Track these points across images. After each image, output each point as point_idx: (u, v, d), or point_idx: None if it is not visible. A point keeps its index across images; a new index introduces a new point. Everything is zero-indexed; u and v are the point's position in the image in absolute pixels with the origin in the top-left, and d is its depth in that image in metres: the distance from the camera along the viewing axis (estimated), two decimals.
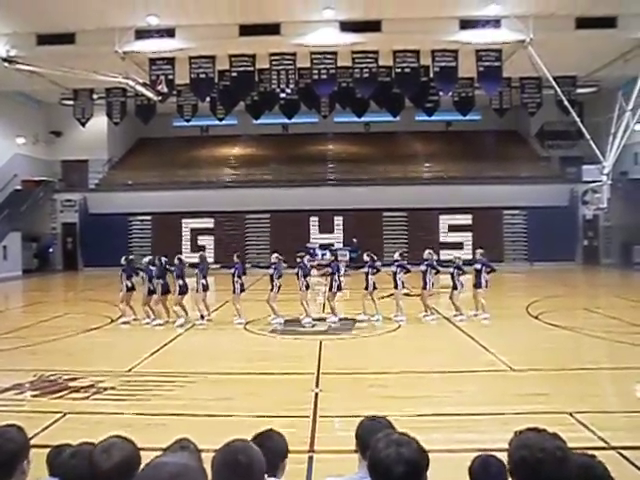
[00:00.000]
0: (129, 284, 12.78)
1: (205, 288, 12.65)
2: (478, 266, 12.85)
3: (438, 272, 12.76)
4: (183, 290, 12.57)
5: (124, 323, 12.49)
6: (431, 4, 17.39)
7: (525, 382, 7.54)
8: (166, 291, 12.67)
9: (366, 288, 12.85)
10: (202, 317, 12.57)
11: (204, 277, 12.64)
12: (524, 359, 8.68)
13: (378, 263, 13.07)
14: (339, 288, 12.85)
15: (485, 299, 12.79)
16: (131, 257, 13.59)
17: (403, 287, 12.74)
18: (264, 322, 12.50)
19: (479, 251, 13.29)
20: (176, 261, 12.83)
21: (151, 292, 12.65)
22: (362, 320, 12.51)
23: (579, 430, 5.68)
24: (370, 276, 12.78)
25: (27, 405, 6.84)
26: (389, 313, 12.95)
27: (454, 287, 12.69)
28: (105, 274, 24.99)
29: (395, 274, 12.65)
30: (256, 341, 10.82)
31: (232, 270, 12.65)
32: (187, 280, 12.74)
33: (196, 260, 13.48)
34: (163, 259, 12.92)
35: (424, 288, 12.63)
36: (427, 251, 13.03)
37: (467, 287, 13.48)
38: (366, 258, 13.12)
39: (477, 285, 12.83)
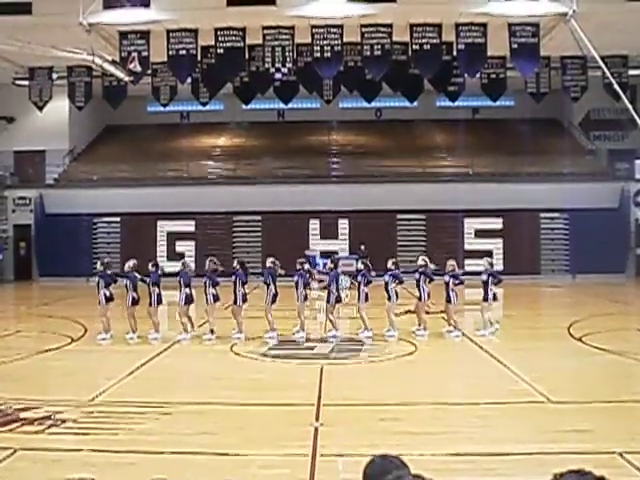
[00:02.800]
0: (107, 293, 13.08)
1: (216, 299, 13.15)
2: (484, 277, 13.41)
3: (432, 280, 13.59)
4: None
5: (103, 339, 12.79)
6: None
7: (566, 416, 7.54)
8: (160, 301, 13.26)
9: (358, 300, 13.50)
10: (212, 332, 13.03)
11: (214, 286, 13.13)
12: (565, 389, 8.69)
13: (373, 273, 13.76)
14: (338, 300, 13.55)
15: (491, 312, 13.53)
16: (107, 260, 14.05)
17: (397, 299, 13.53)
18: (255, 342, 12.58)
19: (486, 260, 13.95)
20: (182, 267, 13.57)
21: (135, 302, 13.07)
22: (366, 337, 13.08)
23: (630, 473, 5.68)
24: (363, 287, 13.44)
25: None
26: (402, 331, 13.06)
27: (447, 300, 13.40)
28: (64, 285, 25.13)
29: (387, 284, 13.38)
30: (245, 365, 10.83)
31: (232, 278, 13.23)
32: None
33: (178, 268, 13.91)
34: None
35: (419, 299, 13.53)
36: (421, 257, 13.92)
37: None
38: (360, 266, 13.90)
39: (484, 298, 13.38)
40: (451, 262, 13.68)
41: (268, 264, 13.52)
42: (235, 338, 12.85)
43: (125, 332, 13.03)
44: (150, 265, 13.51)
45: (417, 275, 13.52)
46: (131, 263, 13.52)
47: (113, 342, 12.77)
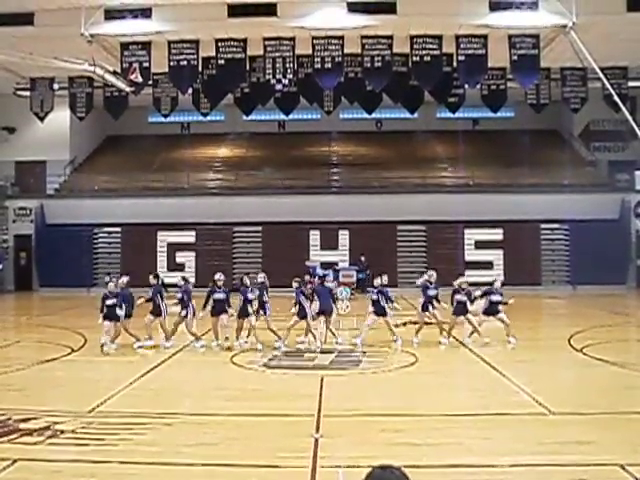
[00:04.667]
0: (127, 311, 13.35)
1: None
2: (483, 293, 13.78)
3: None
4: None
5: (140, 347, 13.10)
6: None
7: (567, 428, 7.51)
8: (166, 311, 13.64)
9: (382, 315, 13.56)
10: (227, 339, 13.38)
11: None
12: (565, 400, 8.67)
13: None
14: (321, 313, 13.72)
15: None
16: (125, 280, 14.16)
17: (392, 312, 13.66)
18: (255, 354, 12.58)
19: (498, 279, 14.18)
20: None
21: (128, 316, 13.32)
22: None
23: None
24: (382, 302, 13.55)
25: None
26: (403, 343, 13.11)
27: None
28: (65, 295, 25.15)
29: (377, 302, 13.40)
30: (245, 376, 10.82)
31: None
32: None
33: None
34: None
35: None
36: (430, 272, 14.13)
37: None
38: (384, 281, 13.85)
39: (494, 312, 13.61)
40: (462, 279, 13.79)
41: (262, 279, 13.70)
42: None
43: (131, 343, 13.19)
44: (151, 277, 13.75)
45: (435, 291, 13.58)
46: (125, 280, 13.67)
47: (115, 353, 12.79)
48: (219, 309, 13.19)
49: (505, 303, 13.59)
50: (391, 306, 13.45)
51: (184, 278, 14.05)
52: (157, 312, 13.40)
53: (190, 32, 19.73)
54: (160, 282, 13.75)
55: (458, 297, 13.40)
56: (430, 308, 13.66)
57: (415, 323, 14.39)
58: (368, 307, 13.81)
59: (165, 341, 13.37)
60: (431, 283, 13.74)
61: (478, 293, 13.79)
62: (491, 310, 13.54)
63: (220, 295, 13.23)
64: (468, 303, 13.39)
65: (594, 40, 18.45)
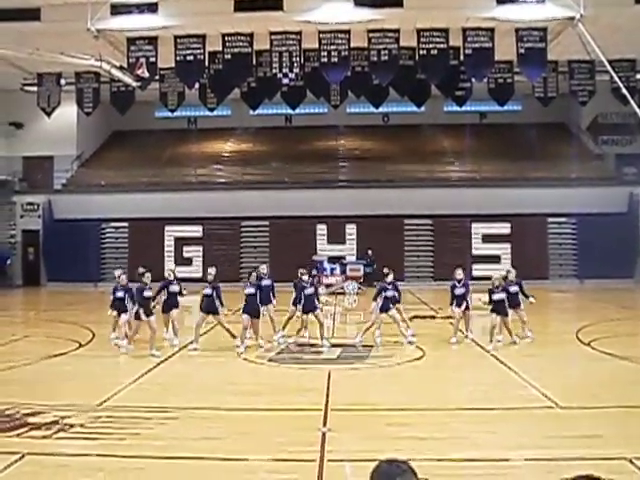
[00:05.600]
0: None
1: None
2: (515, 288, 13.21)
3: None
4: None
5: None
6: None
7: (574, 421, 7.50)
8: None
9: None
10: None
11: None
12: (573, 394, 8.65)
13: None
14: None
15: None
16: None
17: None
18: (262, 349, 12.58)
19: (512, 270, 13.78)
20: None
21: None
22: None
23: None
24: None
25: None
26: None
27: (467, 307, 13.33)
28: (73, 290, 25.24)
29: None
30: (252, 370, 10.84)
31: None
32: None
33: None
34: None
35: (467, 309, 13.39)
36: (457, 270, 13.61)
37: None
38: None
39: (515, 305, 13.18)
40: (496, 276, 13.46)
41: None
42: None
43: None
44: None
45: (463, 289, 13.25)
46: (117, 273, 13.60)
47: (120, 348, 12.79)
48: (205, 307, 12.60)
49: (526, 295, 13.17)
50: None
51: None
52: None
53: (196, 27, 19.71)
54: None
55: (496, 296, 12.74)
56: (457, 306, 13.18)
57: (422, 318, 14.31)
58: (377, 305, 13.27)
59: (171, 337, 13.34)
60: (459, 282, 13.26)
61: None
62: (512, 303, 13.02)
63: (207, 291, 12.58)
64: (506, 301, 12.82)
65: (602, 32, 18.32)
